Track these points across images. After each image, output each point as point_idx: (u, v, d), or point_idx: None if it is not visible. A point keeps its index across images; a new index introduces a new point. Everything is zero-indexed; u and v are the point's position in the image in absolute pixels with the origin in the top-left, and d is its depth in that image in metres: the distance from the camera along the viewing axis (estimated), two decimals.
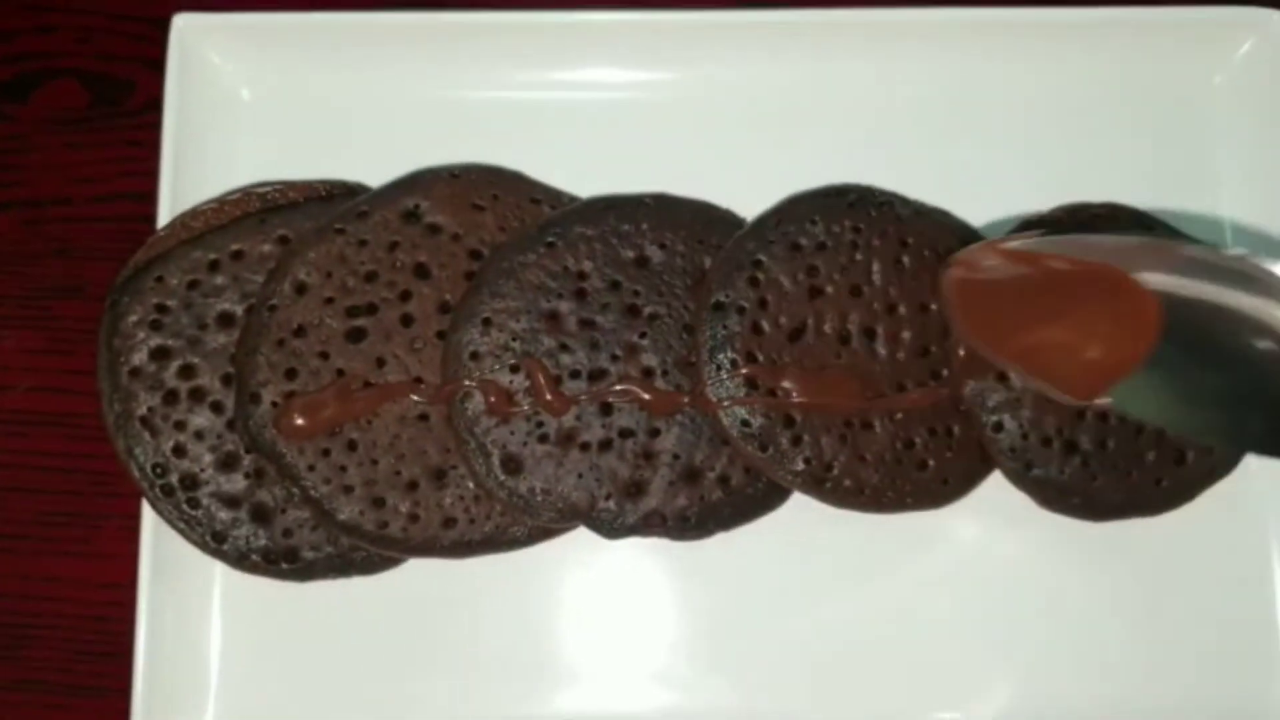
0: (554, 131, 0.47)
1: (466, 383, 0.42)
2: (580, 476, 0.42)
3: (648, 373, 0.43)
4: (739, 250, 0.44)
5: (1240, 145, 0.47)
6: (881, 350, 0.43)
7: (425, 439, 0.43)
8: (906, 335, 0.44)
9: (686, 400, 0.43)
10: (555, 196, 0.46)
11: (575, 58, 0.47)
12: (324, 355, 0.43)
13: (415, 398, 0.43)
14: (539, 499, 0.42)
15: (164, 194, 0.45)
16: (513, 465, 0.42)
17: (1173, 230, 0.45)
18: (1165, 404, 0.37)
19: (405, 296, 0.43)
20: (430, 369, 0.43)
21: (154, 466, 0.43)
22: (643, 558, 0.45)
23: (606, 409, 0.43)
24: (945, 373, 0.44)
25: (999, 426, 0.43)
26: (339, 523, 0.42)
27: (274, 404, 0.42)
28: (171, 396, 0.43)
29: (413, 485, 0.43)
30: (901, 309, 0.44)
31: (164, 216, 0.45)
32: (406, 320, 0.43)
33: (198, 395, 0.43)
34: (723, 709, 0.44)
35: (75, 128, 0.49)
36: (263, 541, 0.43)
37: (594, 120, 0.48)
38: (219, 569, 0.44)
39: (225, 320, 0.44)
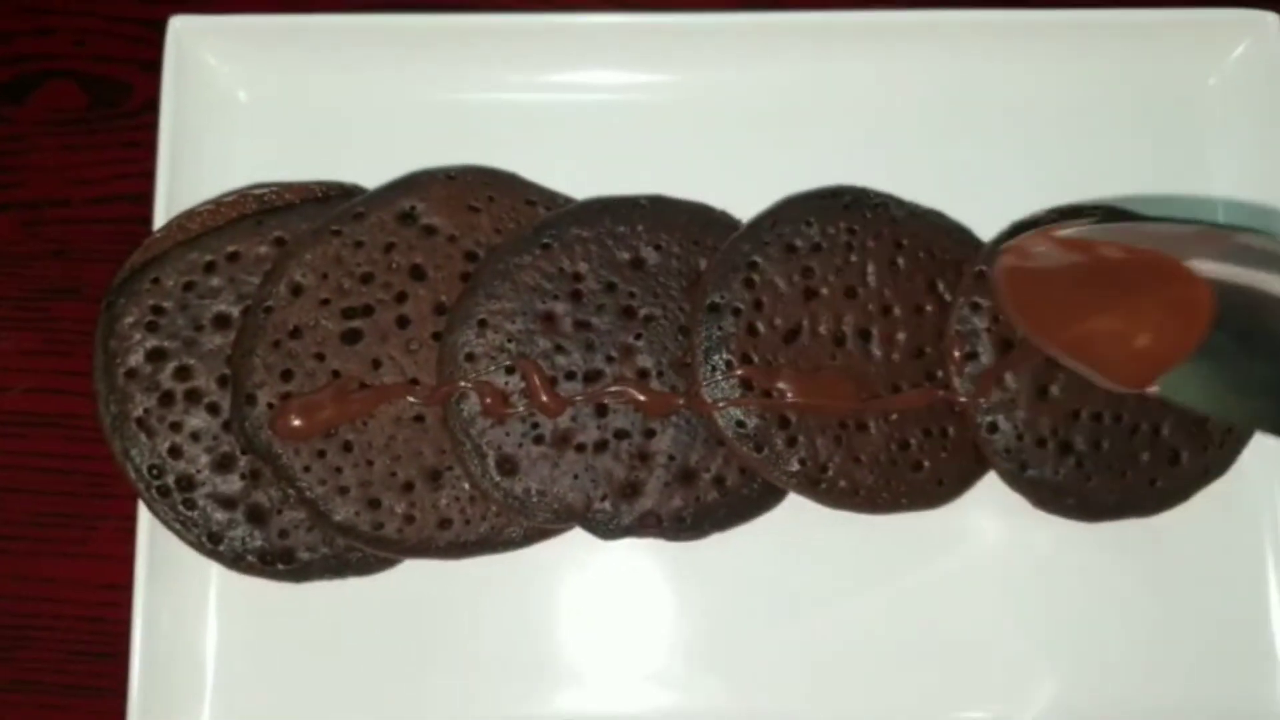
0: (549, 133, 0.47)
1: (462, 384, 0.42)
2: (576, 477, 0.42)
3: (643, 374, 0.43)
4: (734, 252, 0.44)
5: (1235, 146, 0.47)
6: (876, 351, 0.44)
7: (421, 440, 0.43)
8: (901, 336, 0.44)
9: (682, 401, 0.43)
10: (551, 198, 0.46)
11: (570, 60, 0.47)
12: (320, 357, 0.43)
13: (411, 399, 0.43)
14: (534, 500, 0.42)
15: (160, 195, 0.45)
16: (508, 466, 0.42)
17: None
18: (1214, 392, 0.37)
19: (401, 298, 0.44)
20: (426, 370, 0.43)
21: (150, 468, 0.43)
22: (639, 559, 0.45)
23: (602, 410, 0.43)
24: (940, 374, 0.44)
25: (994, 427, 0.43)
26: (335, 524, 0.42)
27: (270, 405, 0.42)
28: (168, 398, 0.43)
29: (408, 486, 0.43)
30: (896, 310, 0.44)
31: (160, 218, 0.45)
32: (402, 322, 0.43)
33: (194, 396, 0.43)
34: (719, 709, 0.44)
35: (73, 129, 0.49)
36: (259, 542, 0.43)
37: (589, 122, 0.48)
38: (215, 570, 0.44)
39: (221, 322, 0.44)
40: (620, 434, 0.43)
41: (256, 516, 0.43)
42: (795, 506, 0.44)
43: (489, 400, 0.42)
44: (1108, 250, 0.39)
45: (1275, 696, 0.45)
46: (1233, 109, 0.48)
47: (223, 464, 0.43)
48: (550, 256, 0.44)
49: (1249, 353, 0.36)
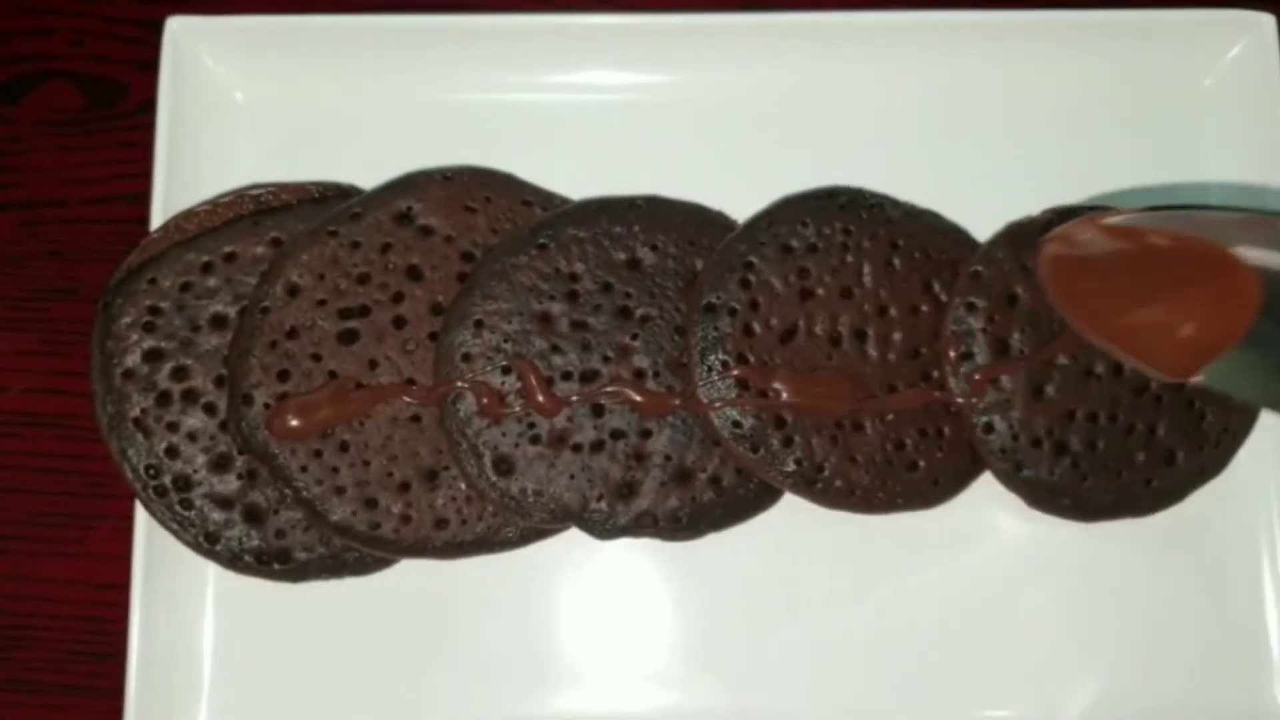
0: (546, 134, 0.48)
1: (458, 384, 0.42)
2: (572, 477, 0.43)
3: (639, 374, 0.43)
4: (730, 252, 0.44)
5: (1230, 147, 0.47)
6: (872, 352, 0.44)
7: (417, 440, 0.43)
8: (897, 337, 0.44)
9: (678, 401, 0.43)
10: (547, 198, 0.46)
11: (566, 60, 0.48)
12: (316, 357, 0.43)
13: (407, 399, 0.43)
14: (531, 500, 0.42)
15: (157, 196, 0.45)
16: (505, 466, 0.42)
17: None
18: (1261, 381, 0.37)
19: (398, 298, 0.44)
20: (422, 370, 0.43)
21: (147, 468, 0.43)
22: (636, 559, 0.45)
23: (598, 410, 0.43)
24: (935, 374, 0.44)
25: (989, 428, 0.43)
26: (331, 524, 0.42)
27: (266, 405, 0.42)
28: (164, 398, 0.43)
29: (405, 486, 0.43)
30: (892, 311, 0.44)
31: (157, 218, 0.45)
32: (399, 322, 0.44)
33: (191, 397, 0.43)
34: (717, 708, 0.44)
35: (70, 130, 0.50)
36: (255, 542, 0.43)
37: (586, 123, 0.48)
38: (212, 570, 0.44)
39: (218, 322, 0.44)
40: (616, 434, 0.43)
41: (253, 516, 0.43)
42: (791, 506, 0.44)
43: (485, 400, 0.42)
44: (1154, 238, 0.38)
45: (1271, 695, 0.45)
46: (1228, 109, 0.48)
47: (220, 464, 0.43)
48: (547, 257, 0.44)
49: None
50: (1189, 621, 0.45)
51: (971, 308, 0.44)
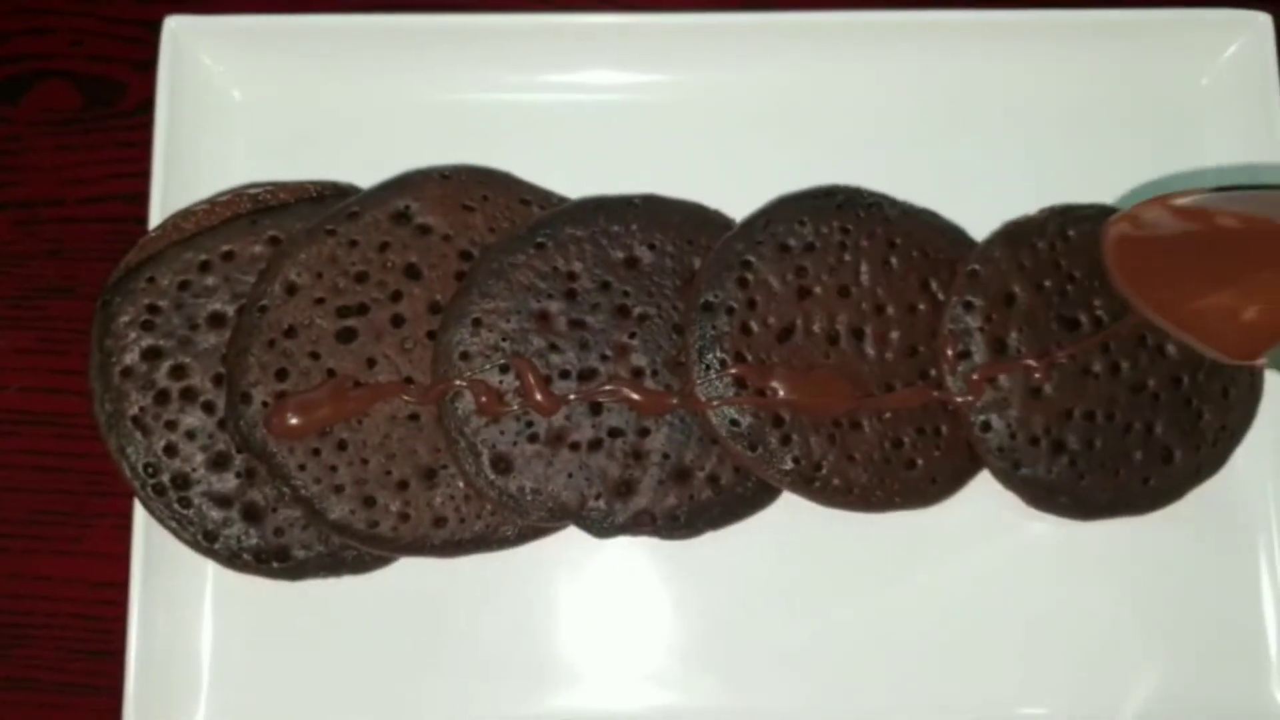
0: (544, 133, 0.48)
1: (457, 382, 0.42)
2: (570, 476, 0.43)
3: (637, 373, 0.43)
4: (728, 251, 0.44)
5: (1227, 146, 0.47)
6: (870, 350, 0.44)
7: (415, 438, 0.43)
8: (894, 335, 0.44)
9: (676, 400, 0.43)
10: (545, 197, 0.46)
11: (565, 60, 0.48)
12: (314, 355, 0.43)
13: (406, 397, 0.43)
14: (529, 498, 0.42)
15: (155, 195, 0.45)
16: (503, 465, 0.42)
17: None
18: None
19: (396, 297, 0.44)
20: (421, 369, 0.43)
21: (146, 466, 0.43)
22: (634, 557, 0.45)
23: (596, 409, 0.43)
24: (933, 372, 0.44)
25: (987, 426, 0.43)
26: (330, 522, 0.42)
27: (265, 404, 0.42)
28: (163, 396, 0.43)
29: (403, 484, 0.43)
30: (889, 309, 0.44)
31: (155, 217, 0.45)
32: (397, 321, 0.44)
33: (189, 395, 0.43)
34: (716, 707, 0.44)
35: (68, 129, 0.50)
36: (254, 540, 0.43)
37: (584, 122, 0.48)
38: (211, 568, 0.44)
39: (216, 320, 0.44)
40: (614, 432, 0.43)
41: (252, 514, 0.43)
42: (789, 505, 0.44)
43: (484, 399, 0.42)
44: (1223, 219, 0.38)
45: (1270, 695, 0.45)
46: (1226, 108, 0.48)
47: (218, 462, 0.43)
48: (545, 255, 0.44)
49: None
50: (1187, 621, 0.45)
51: (969, 306, 0.44)
